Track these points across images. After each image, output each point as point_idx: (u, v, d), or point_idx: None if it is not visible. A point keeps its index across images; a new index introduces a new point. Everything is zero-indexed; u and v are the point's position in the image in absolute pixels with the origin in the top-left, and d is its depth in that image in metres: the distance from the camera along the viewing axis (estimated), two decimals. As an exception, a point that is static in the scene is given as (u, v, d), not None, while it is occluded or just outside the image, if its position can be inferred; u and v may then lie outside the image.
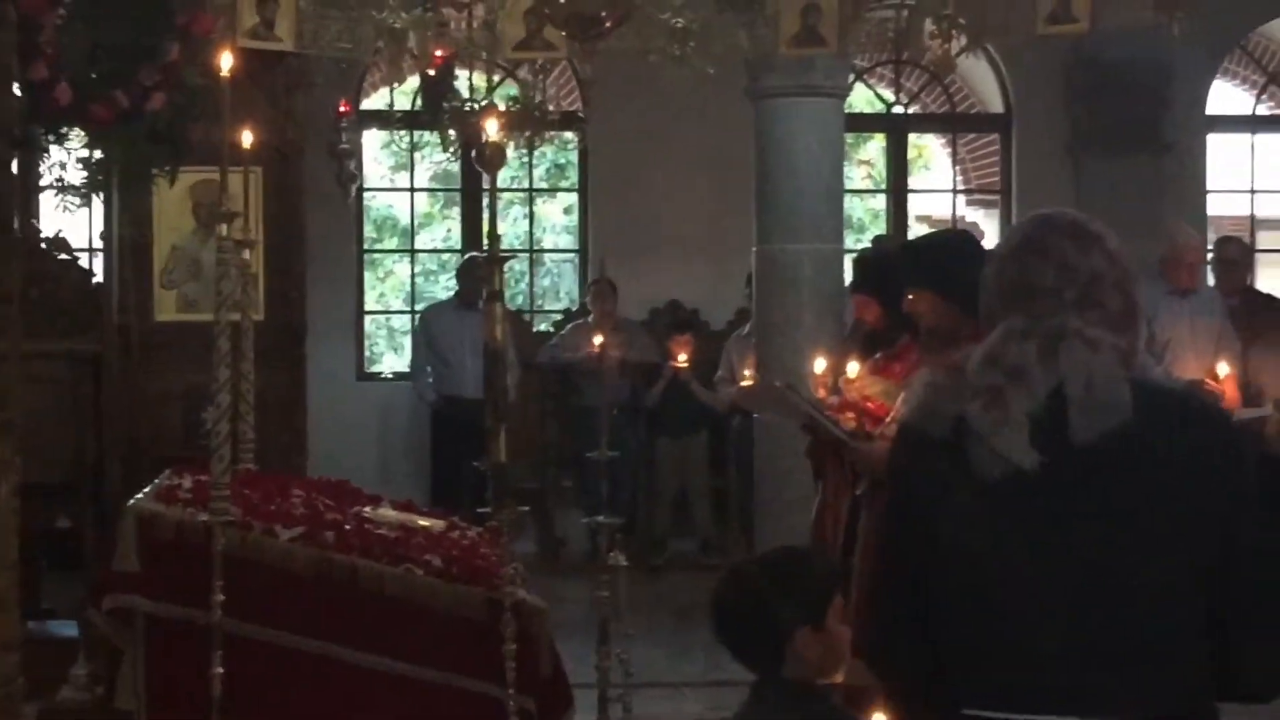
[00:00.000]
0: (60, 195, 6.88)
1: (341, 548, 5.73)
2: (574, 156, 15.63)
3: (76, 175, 6.86)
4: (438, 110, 8.75)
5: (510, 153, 12.07)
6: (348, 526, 6.02)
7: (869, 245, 13.19)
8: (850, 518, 6.69)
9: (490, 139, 5.51)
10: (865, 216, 22.77)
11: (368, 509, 6.62)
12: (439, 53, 8.28)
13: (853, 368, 6.86)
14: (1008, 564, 2.97)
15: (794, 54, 8.62)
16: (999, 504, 2.98)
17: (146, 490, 6.03)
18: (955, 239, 7.28)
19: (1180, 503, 2.93)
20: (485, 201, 10.70)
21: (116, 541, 5.62)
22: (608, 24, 6.50)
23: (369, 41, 8.16)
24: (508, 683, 5.36)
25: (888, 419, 6.60)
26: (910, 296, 6.47)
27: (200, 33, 6.40)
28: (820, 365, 7.27)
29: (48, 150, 6.55)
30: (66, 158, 6.78)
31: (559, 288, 18.27)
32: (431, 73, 8.36)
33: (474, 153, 11.06)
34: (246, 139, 6.11)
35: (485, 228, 5.44)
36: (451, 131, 11.03)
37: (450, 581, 5.70)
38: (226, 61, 5.40)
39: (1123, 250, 3.13)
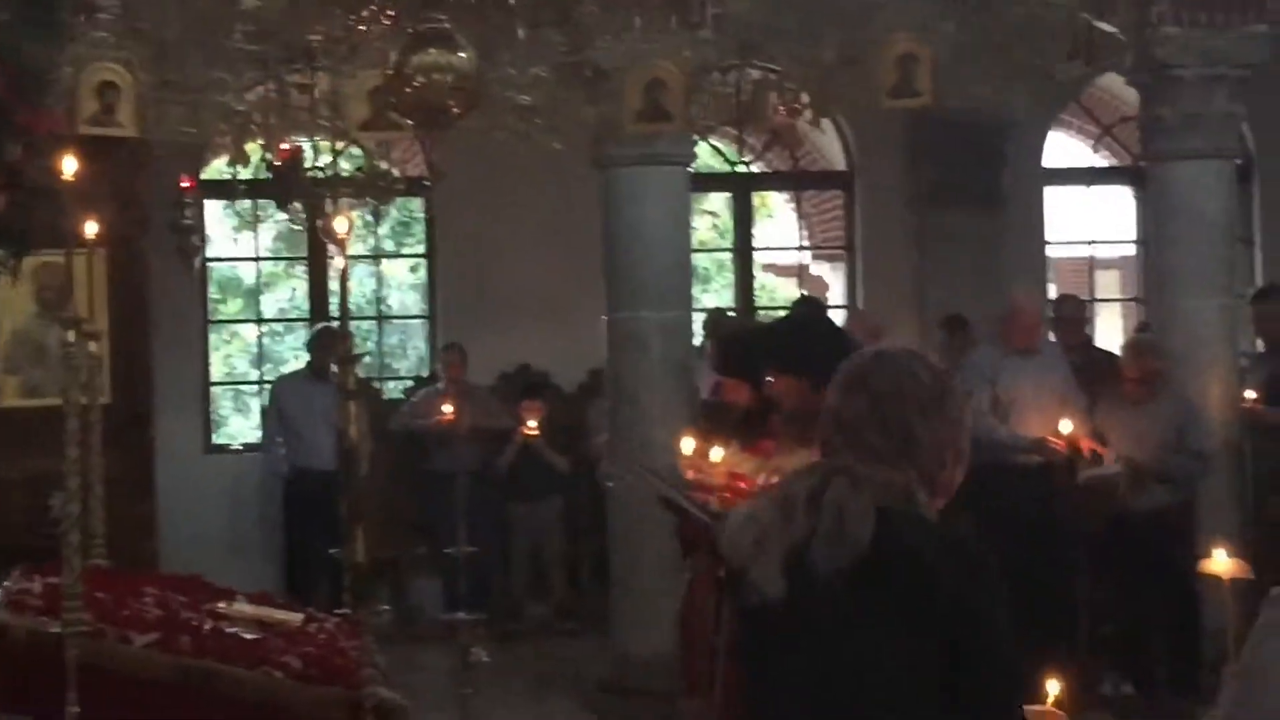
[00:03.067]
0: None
1: (198, 652, 5.66)
2: (421, 214, 15.54)
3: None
4: (286, 202, 8.70)
5: (355, 218, 12.00)
6: (204, 627, 5.95)
7: (711, 313, 13.23)
8: (718, 598, 6.72)
9: (339, 237, 5.48)
10: (711, 267, 22.90)
11: (222, 604, 6.55)
12: (284, 146, 8.22)
13: (716, 452, 6.90)
14: (762, 686, 3.24)
15: (640, 130, 8.66)
16: (756, 630, 3.29)
17: (-4, 593, 5.93)
18: (808, 321, 7.37)
19: (916, 631, 3.10)
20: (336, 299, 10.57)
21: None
22: (455, 112, 6.49)
23: (212, 124, 8.09)
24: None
25: (758, 498, 6.62)
26: (769, 380, 6.53)
27: (42, 130, 6.32)
28: (688, 446, 7.30)
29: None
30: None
31: (406, 345, 18.20)
32: (279, 163, 8.32)
33: (319, 225, 10.99)
34: (90, 229, 6.05)
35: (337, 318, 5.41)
36: (297, 204, 10.94)
37: (310, 683, 5.65)
38: (70, 165, 5.34)
39: (907, 386, 3.31)
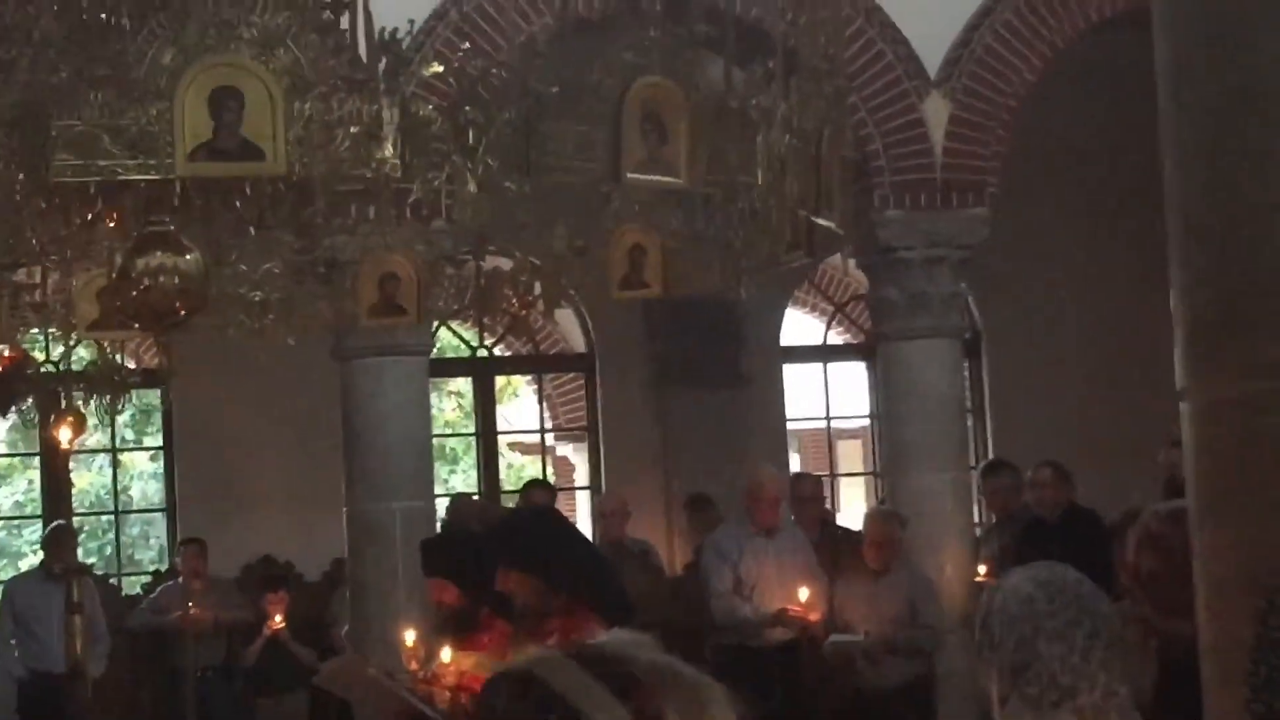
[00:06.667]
0: None
1: None
2: (159, 402, 15.31)
3: None
4: (8, 408, 8.56)
5: (90, 416, 11.82)
6: None
7: (453, 499, 13.19)
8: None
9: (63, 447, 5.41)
10: (459, 447, 22.89)
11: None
12: (7, 353, 8.09)
13: (445, 653, 6.88)
14: None
15: (375, 323, 8.66)
16: None
17: None
18: (535, 518, 7.42)
19: None
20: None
21: None
22: (182, 314, 6.44)
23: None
24: None
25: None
26: (500, 574, 6.55)
27: None
28: (410, 637, 7.27)
29: None
30: None
31: (149, 535, 17.91)
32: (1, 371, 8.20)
33: (51, 419, 10.81)
34: None
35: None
36: (28, 400, 10.75)
37: None
38: None
39: None
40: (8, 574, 15.27)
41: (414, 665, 7.13)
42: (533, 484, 13.08)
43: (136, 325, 6.56)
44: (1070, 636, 3.43)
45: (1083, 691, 3.40)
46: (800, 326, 16.42)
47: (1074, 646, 3.42)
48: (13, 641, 12.56)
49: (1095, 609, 3.50)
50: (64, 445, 5.36)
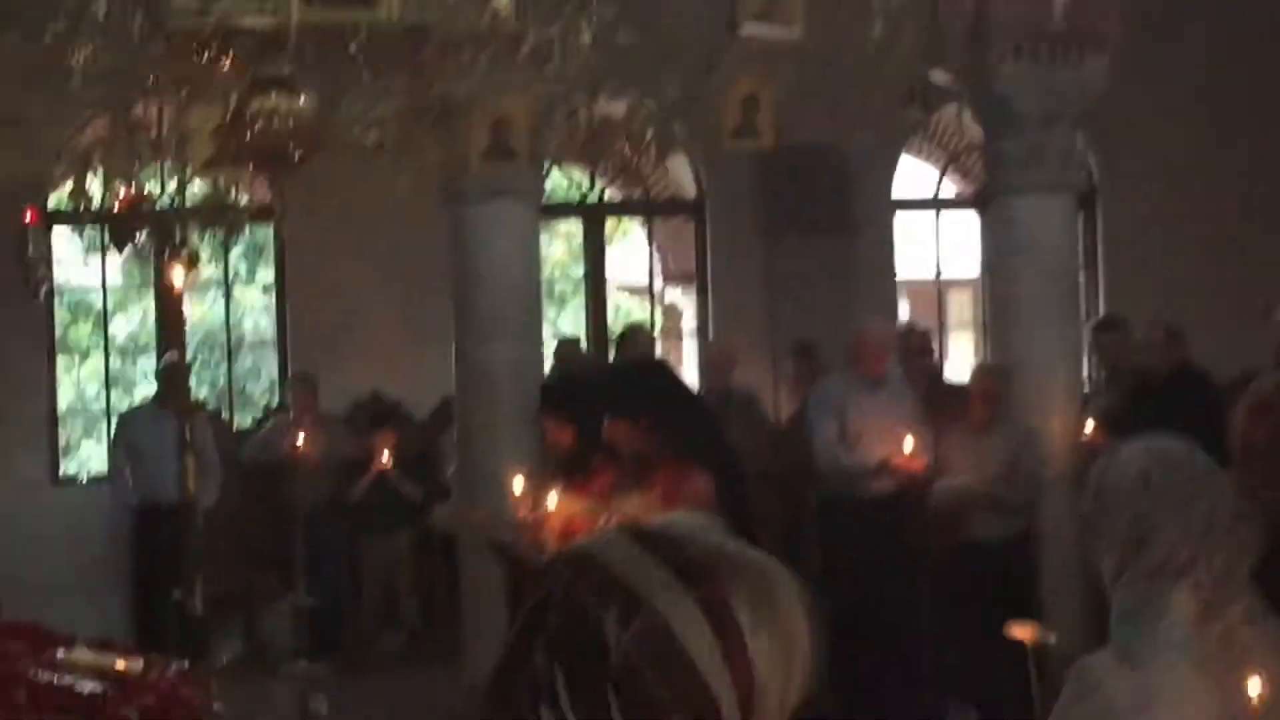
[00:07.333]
0: None
1: (34, 708, 5.59)
2: (272, 238, 15.40)
3: None
4: (125, 245, 8.63)
5: (203, 250, 11.93)
6: (41, 677, 5.88)
7: (560, 344, 13.19)
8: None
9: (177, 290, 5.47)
10: (567, 289, 22.94)
11: (61, 652, 6.47)
12: (127, 192, 8.16)
13: (552, 499, 6.93)
14: None
15: (485, 168, 8.68)
16: None
17: None
18: (649, 369, 7.42)
19: None
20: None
21: None
22: (297, 157, 6.48)
23: (53, 162, 8.02)
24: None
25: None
26: (608, 424, 6.60)
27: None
28: (518, 484, 7.33)
29: None
30: None
31: (260, 369, 18.07)
32: (117, 208, 8.25)
33: (166, 254, 10.92)
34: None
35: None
36: (143, 234, 10.85)
37: (148, 737, 5.60)
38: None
39: None
40: (123, 403, 15.47)
41: (522, 512, 7.19)
42: (632, 329, 12.99)
43: (250, 166, 6.62)
44: (1186, 512, 3.40)
45: (1200, 567, 3.38)
46: (913, 176, 16.26)
47: (1190, 522, 3.40)
48: (126, 472, 12.79)
49: (1211, 483, 3.47)
50: (178, 285, 5.42)
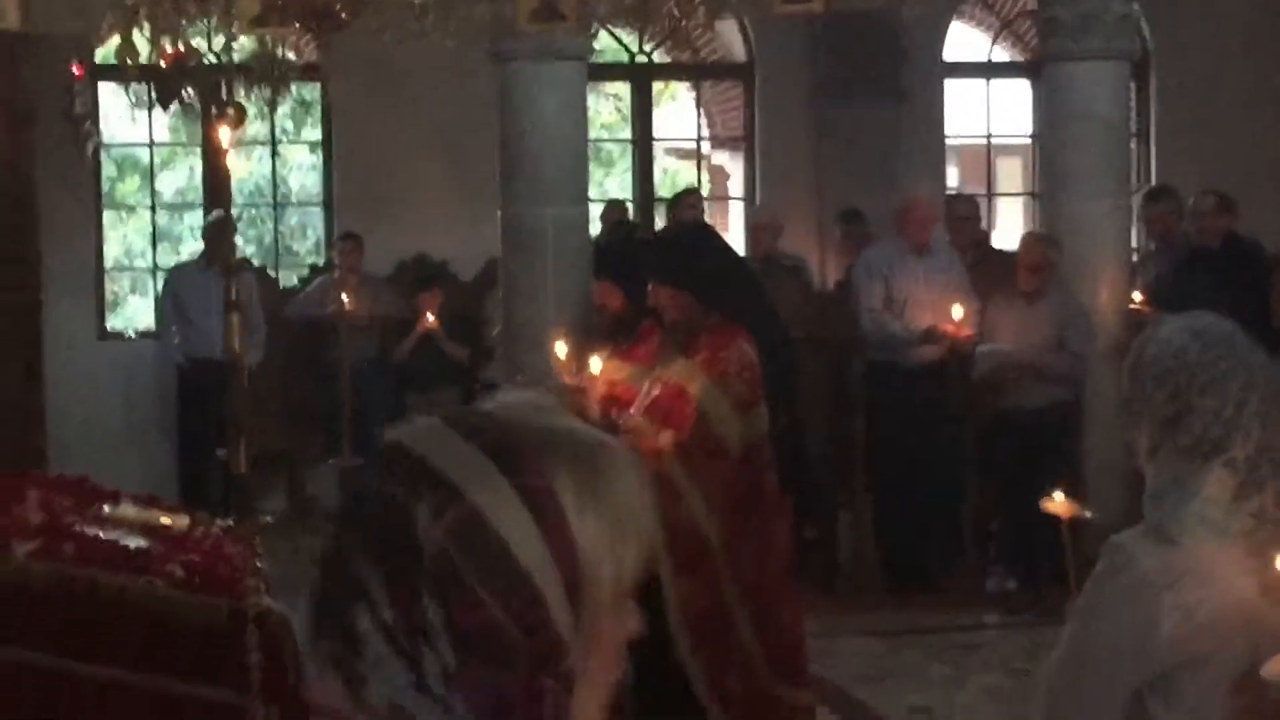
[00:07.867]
0: None
1: (81, 561, 5.65)
2: (319, 96, 15.35)
3: None
4: (171, 102, 8.61)
5: (249, 107, 11.91)
6: (87, 532, 5.94)
7: (608, 207, 13.15)
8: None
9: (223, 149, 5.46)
10: (614, 150, 22.87)
11: (107, 507, 6.53)
12: (174, 48, 8.13)
13: (594, 363, 6.93)
14: None
15: (533, 28, 8.62)
16: None
17: None
18: (695, 235, 7.39)
19: None
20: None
21: None
22: (342, 16, 6.44)
23: (100, 18, 7.99)
24: (251, 692, 5.35)
25: (631, 407, 6.72)
26: (653, 289, 6.60)
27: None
28: (562, 350, 7.33)
29: None
30: None
31: (306, 227, 18.09)
32: (164, 65, 8.23)
33: (213, 111, 10.91)
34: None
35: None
36: (190, 90, 10.83)
37: (193, 592, 5.65)
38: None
39: None
40: (169, 260, 15.52)
41: (566, 377, 7.20)
42: (685, 193, 13.00)
43: (297, 24, 6.58)
44: (1224, 388, 3.37)
45: (1235, 444, 3.36)
46: (964, 42, 16.08)
47: (1227, 398, 3.37)
48: (173, 328, 12.86)
49: (1251, 360, 3.44)
50: (224, 144, 5.40)
